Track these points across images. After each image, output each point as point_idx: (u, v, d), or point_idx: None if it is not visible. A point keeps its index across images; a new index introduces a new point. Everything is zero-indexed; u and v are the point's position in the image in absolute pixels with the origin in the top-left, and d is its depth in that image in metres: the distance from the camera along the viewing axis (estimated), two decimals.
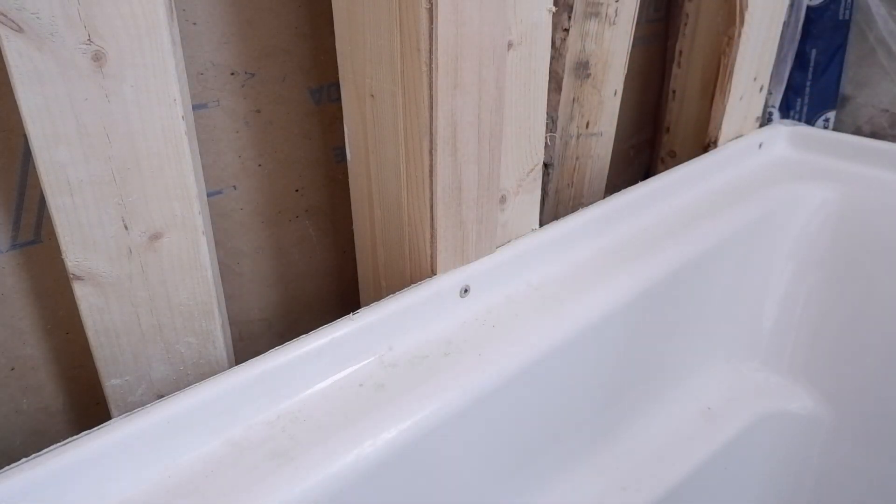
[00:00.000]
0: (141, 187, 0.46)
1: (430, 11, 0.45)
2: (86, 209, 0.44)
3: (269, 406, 0.46)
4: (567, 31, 0.69)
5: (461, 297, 0.55)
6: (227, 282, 0.63)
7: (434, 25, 0.45)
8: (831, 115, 0.97)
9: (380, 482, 0.45)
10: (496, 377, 0.52)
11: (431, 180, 0.50)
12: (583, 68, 0.72)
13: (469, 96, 0.49)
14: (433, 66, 0.46)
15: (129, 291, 0.48)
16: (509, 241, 0.60)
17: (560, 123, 0.74)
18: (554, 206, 0.79)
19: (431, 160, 0.49)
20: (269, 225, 0.65)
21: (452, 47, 0.46)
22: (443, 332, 0.54)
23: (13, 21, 0.38)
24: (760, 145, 0.88)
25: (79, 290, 0.47)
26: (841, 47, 0.93)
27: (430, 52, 0.45)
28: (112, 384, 0.51)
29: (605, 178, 0.83)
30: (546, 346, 0.55)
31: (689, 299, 0.73)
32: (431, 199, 0.51)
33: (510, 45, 0.53)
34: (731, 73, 0.81)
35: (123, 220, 0.46)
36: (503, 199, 0.58)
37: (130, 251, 0.47)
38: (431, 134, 0.48)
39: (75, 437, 0.39)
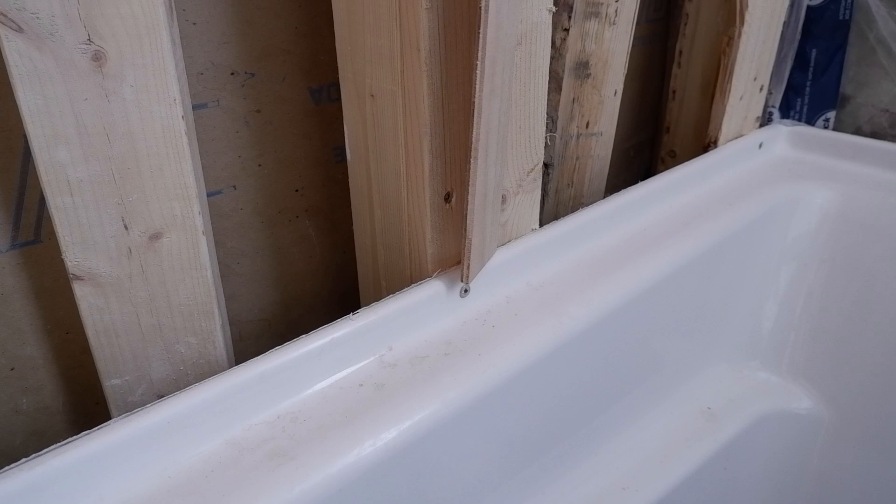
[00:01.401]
0: (141, 187, 0.46)
1: (430, 11, 0.45)
2: (86, 209, 0.44)
3: (269, 406, 0.46)
4: (567, 31, 0.69)
5: (461, 297, 0.55)
6: (227, 282, 0.63)
7: (483, 32, 0.44)
8: (831, 115, 0.97)
9: (380, 482, 0.45)
10: (496, 377, 0.52)
11: (472, 186, 0.49)
12: (583, 68, 0.72)
13: (498, 99, 0.49)
14: (477, 72, 0.45)
15: (129, 291, 0.48)
16: (509, 241, 0.60)
17: (560, 123, 0.74)
18: (554, 206, 0.79)
19: (469, 168, 0.48)
20: (269, 225, 0.65)
21: (493, 51, 0.45)
22: (443, 332, 0.54)
23: (13, 21, 0.38)
24: (760, 145, 0.88)
25: (79, 290, 0.47)
26: (841, 47, 0.93)
27: (477, 58, 0.44)
28: (112, 384, 0.51)
29: (605, 178, 0.83)
30: (546, 347, 0.55)
31: (689, 299, 0.73)
32: (469, 206, 0.50)
33: None
34: (731, 73, 0.81)
35: (123, 220, 0.46)
36: (503, 199, 0.58)
37: (130, 251, 0.47)
38: (471, 142, 0.47)
39: (75, 437, 0.39)
